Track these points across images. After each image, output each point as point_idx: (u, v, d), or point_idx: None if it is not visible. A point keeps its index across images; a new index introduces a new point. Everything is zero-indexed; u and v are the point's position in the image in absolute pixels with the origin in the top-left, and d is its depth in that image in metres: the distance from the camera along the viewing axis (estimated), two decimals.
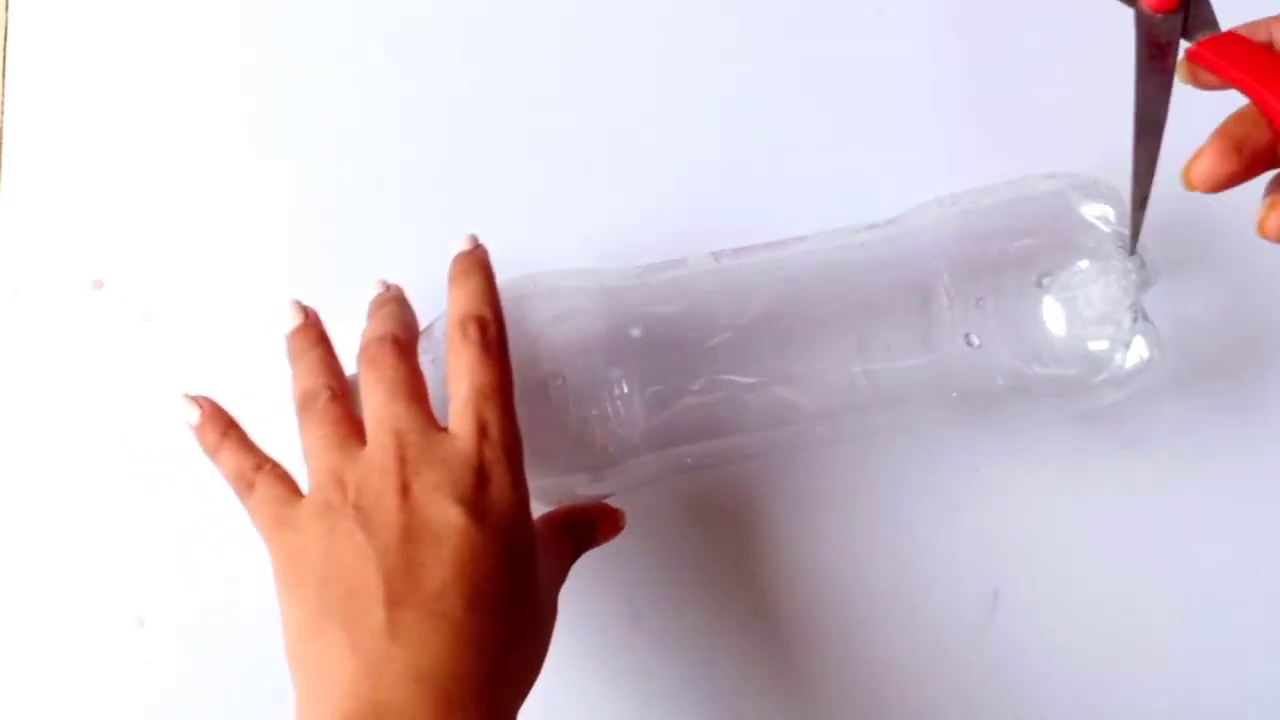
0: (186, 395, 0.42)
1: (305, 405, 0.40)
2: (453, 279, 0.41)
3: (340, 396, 0.39)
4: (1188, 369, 0.48)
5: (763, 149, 0.52)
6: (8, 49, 0.53)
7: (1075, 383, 0.43)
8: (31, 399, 0.50)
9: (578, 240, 0.49)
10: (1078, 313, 0.43)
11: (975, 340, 0.43)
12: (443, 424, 0.38)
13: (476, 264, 0.41)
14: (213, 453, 0.41)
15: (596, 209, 0.51)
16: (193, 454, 0.49)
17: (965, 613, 0.48)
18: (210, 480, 0.49)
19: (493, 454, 0.37)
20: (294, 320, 0.42)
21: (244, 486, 0.40)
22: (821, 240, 0.45)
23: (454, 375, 0.38)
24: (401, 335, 0.40)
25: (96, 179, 0.52)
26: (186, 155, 0.52)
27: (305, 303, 0.43)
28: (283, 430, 0.49)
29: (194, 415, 0.41)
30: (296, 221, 0.52)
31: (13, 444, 0.50)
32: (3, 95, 0.53)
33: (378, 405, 0.38)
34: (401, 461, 0.37)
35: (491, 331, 0.39)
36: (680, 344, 0.43)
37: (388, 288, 0.44)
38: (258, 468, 0.40)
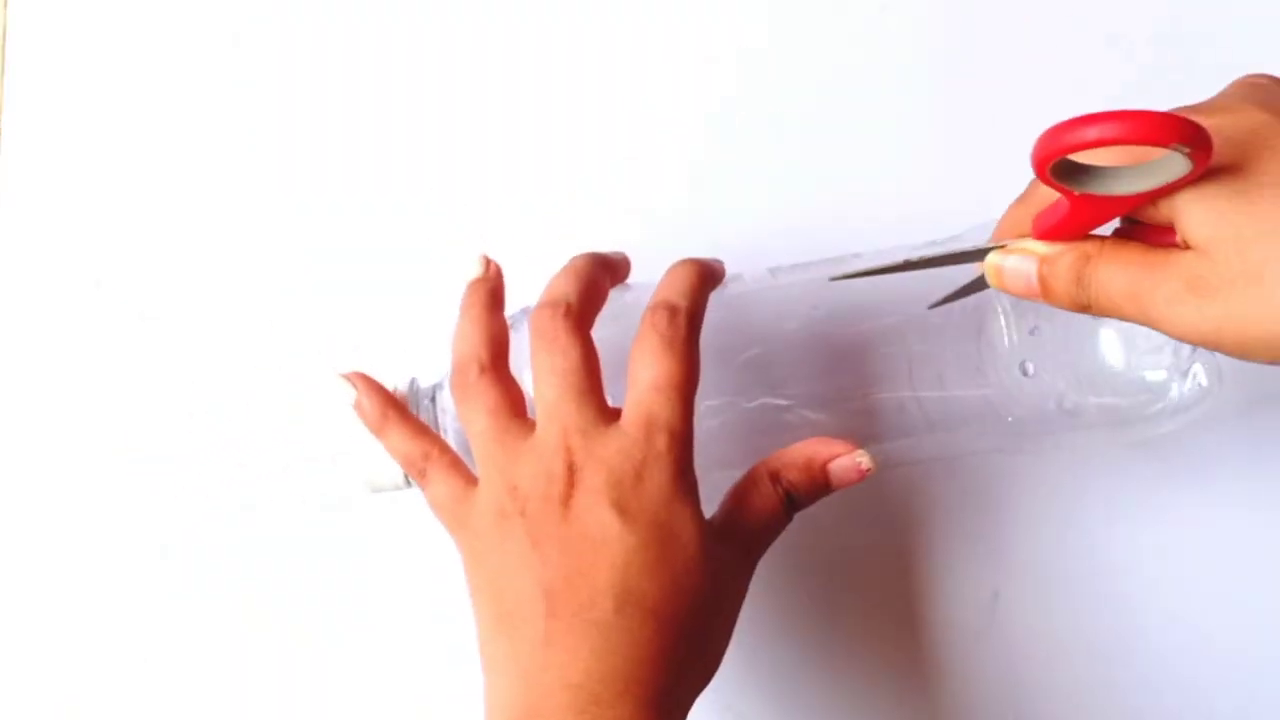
0: (340, 374, 0.42)
1: (458, 378, 0.39)
2: (669, 269, 0.41)
3: (491, 368, 0.39)
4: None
5: (765, 139, 0.52)
6: (7, 49, 0.53)
7: (1131, 412, 0.42)
8: (31, 399, 0.51)
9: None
10: (1134, 342, 0.42)
11: (1030, 369, 0.43)
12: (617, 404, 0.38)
13: (695, 261, 0.41)
14: (376, 432, 0.41)
15: (612, 222, 0.51)
16: (192, 454, 0.50)
17: (965, 613, 0.48)
18: (210, 481, 0.50)
19: (654, 450, 0.37)
20: (472, 272, 0.42)
21: (416, 473, 0.40)
22: (877, 257, 0.45)
23: (633, 362, 0.38)
24: (577, 302, 0.39)
25: (95, 179, 0.52)
26: (185, 155, 0.52)
27: (490, 256, 0.42)
28: (283, 428, 0.50)
29: (350, 395, 0.41)
30: (296, 221, 0.52)
31: (12, 444, 0.50)
32: (1, 95, 0.53)
33: (549, 400, 0.38)
34: (569, 468, 0.37)
35: (678, 321, 0.38)
36: (738, 362, 0.43)
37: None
38: (426, 456, 0.40)
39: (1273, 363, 0.32)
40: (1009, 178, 0.46)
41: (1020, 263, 0.34)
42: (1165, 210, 0.32)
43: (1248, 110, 0.32)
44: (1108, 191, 0.31)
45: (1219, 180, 0.30)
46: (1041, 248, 0.34)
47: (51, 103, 0.53)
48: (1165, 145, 0.28)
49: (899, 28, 0.53)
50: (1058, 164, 0.30)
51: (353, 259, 0.51)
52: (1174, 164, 0.30)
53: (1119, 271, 0.32)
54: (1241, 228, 0.30)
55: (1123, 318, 0.33)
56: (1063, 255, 0.33)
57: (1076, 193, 0.31)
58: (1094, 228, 0.33)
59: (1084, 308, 0.34)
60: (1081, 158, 0.30)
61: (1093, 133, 0.28)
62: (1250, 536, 0.49)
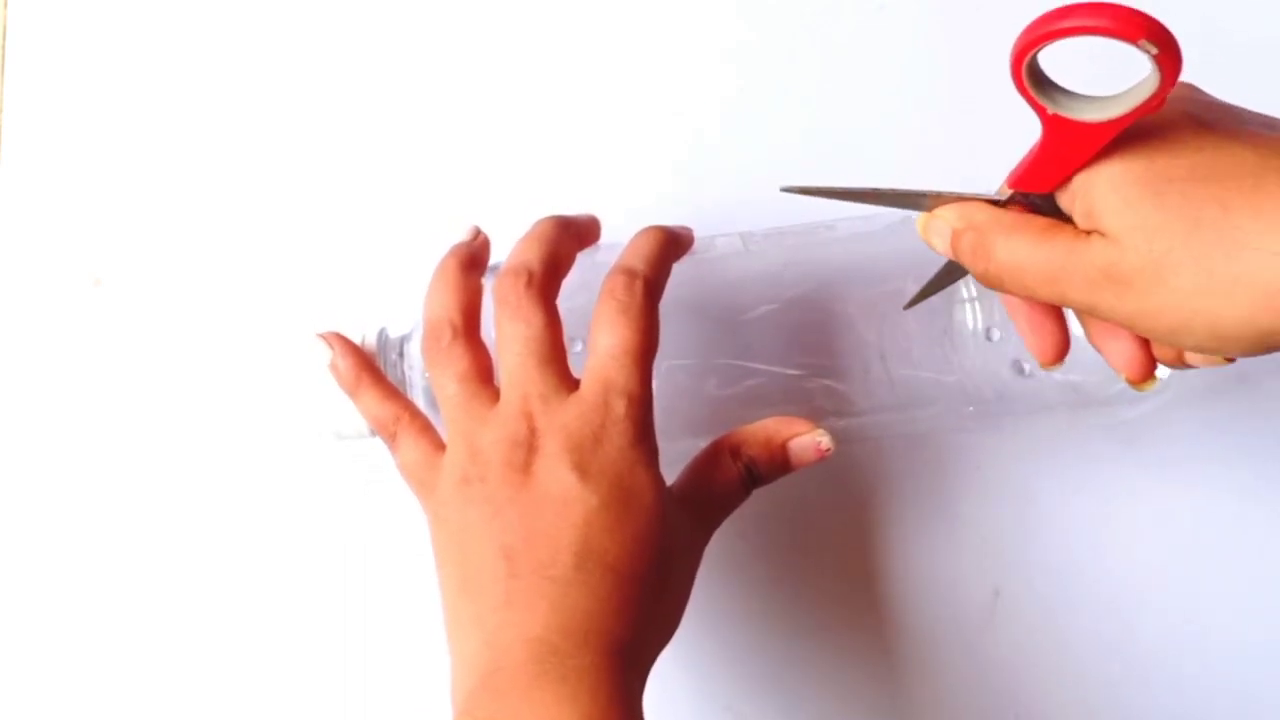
0: (317, 334, 0.43)
1: (429, 341, 0.40)
2: (634, 235, 0.42)
3: (463, 333, 0.40)
4: (1193, 372, 0.48)
5: (765, 139, 0.52)
6: (7, 48, 0.53)
7: (1090, 392, 0.43)
8: (31, 398, 0.50)
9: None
10: None
11: (996, 335, 0.43)
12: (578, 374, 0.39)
13: (660, 228, 0.42)
14: (350, 393, 0.42)
15: (604, 196, 0.51)
16: (191, 453, 0.50)
17: (965, 613, 0.48)
18: (211, 481, 0.50)
19: (613, 415, 0.37)
20: (459, 239, 0.43)
21: (387, 436, 0.41)
22: (850, 226, 0.45)
23: (593, 329, 0.39)
24: (540, 270, 0.39)
25: (95, 177, 0.52)
26: (185, 153, 0.52)
27: (482, 229, 0.44)
28: (285, 426, 0.50)
29: (326, 355, 0.42)
30: (297, 218, 0.52)
31: (12, 443, 0.50)
32: (1, 93, 0.53)
33: (511, 368, 0.38)
34: (531, 433, 0.38)
35: (635, 287, 0.39)
36: (703, 328, 0.43)
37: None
38: (397, 420, 0.41)
39: (1190, 349, 0.32)
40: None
41: (942, 226, 0.35)
42: (1082, 196, 0.32)
43: (1170, 107, 0.32)
44: (1075, 115, 0.31)
45: (1133, 170, 0.31)
46: (956, 220, 0.35)
47: (51, 103, 0.53)
48: (1134, 40, 0.28)
49: (896, 27, 0.53)
50: (1034, 69, 0.31)
51: (355, 255, 0.51)
52: (1138, 91, 0.30)
53: (1030, 249, 0.33)
54: (1148, 218, 0.30)
55: (1031, 296, 0.33)
56: (970, 227, 0.34)
57: (1049, 110, 0.31)
58: (1061, 175, 0.33)
59: (990, 283, 0.34)
60: (1055, 73, 0.31)
61: (1069, 22, 0.28)
62: (1251, 534, 0.49)
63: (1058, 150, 0.32)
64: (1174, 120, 0.32)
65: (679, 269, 0.43)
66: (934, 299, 0.39)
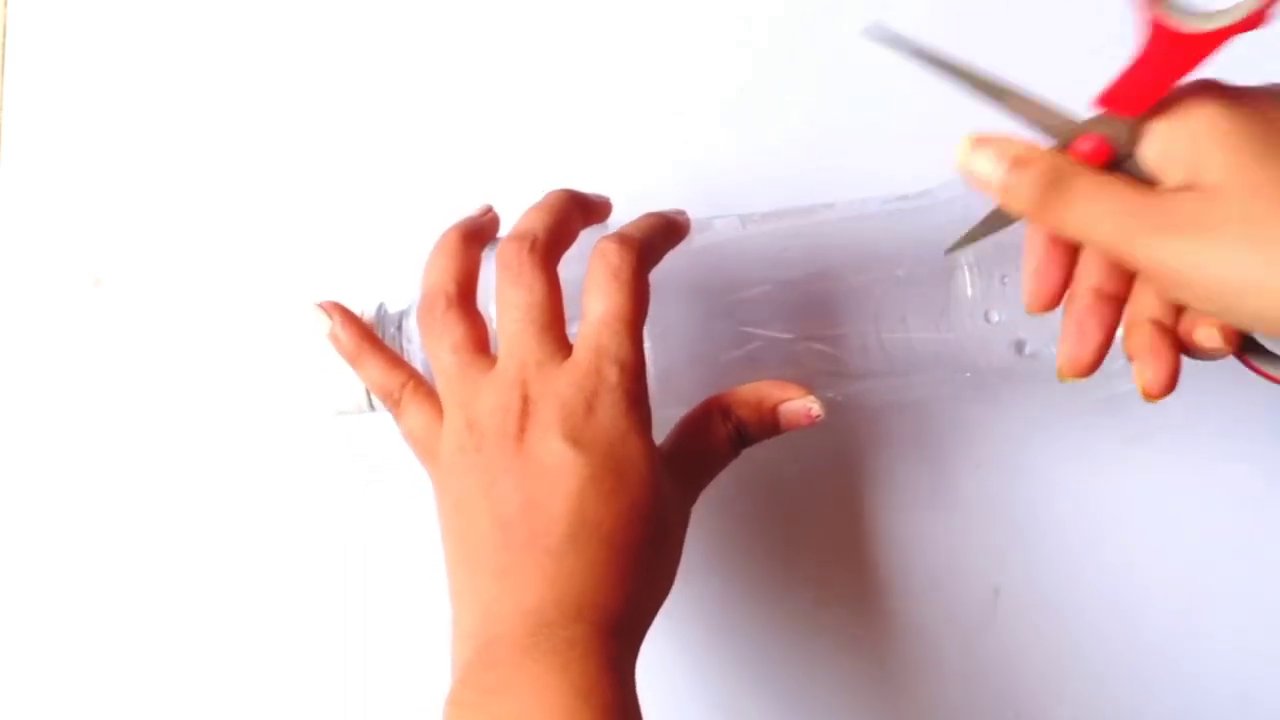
0: (316, 304, 0.43)
1: (424, 310, 0.40)
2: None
3: (458, 302, 0.40)
4: (1192, 364, 0.48)
5: (765, 139, 0.52)
6: (6, 47, 0.53)
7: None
8: (31, 398, 0.50)
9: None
10: None
11: (995, 317, 0.43)
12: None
13: (657, 213, 0.42)
14: (352, 362, 0.42)
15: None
16: (192, 453, 0.50)
17: (965, 612, 0.48)
18: (212, 481, 0.50)
19: (605, 382, 0.37)
20: (470, 212, 0.43)
21: (391, 403, 0.41)
22: (850, 208, 0.45)
23: (585, 295, 0.39)
24: (544, 237, 0.39)
25: (95, 176, 0.52)
26: (185, 152, 0.52)
27: (494, 207, 0.44)
28: (286, 424, 0.50)
29: (325, 324, 0.42)
30: (297, 219, 0.52)
31: (12, 443, 0.50)
32: (1, 93, 0.53)
33: (510, 333, 0.38)
34: (524, 400, 0.37)
35: (626, 252, 0.39)
36: (701, 306, 0.43)
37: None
38: (402, 387, 0.41)
39: (1224, 317, 0.33)
40: None
41: (995, 154, 0.34)
42: (1174, 143, 0.32)
43: (1253, 88, 0.33)
44: (1178, 21, 0.31)
45: (1236, 128, 0.31)
46: (1019, 147, 0.34)
47: (51, 103, 0.53)
48: None
49: (897, 27, 0.53)
50: None
51: (355, 254, 0.51)
52: (1241, 7, 0.30)
53: (1107, 195, 0.33)
54: (1254, 175, 0.31)
55: (1092, 243, 0.33)
56: (1039, 160, 0.34)
57: (1152, 11, 0.31)
58: (1151, 96, 0.33)
59: (1050, 222, 0.34)
60: None
61: None
62: (1251, 532, 0.49)
63: (1153, 62, 0.32)
64: (1262, 96, 0.32)
65: (678, 249, 0.43)
66: (937, 278, 0.40)
